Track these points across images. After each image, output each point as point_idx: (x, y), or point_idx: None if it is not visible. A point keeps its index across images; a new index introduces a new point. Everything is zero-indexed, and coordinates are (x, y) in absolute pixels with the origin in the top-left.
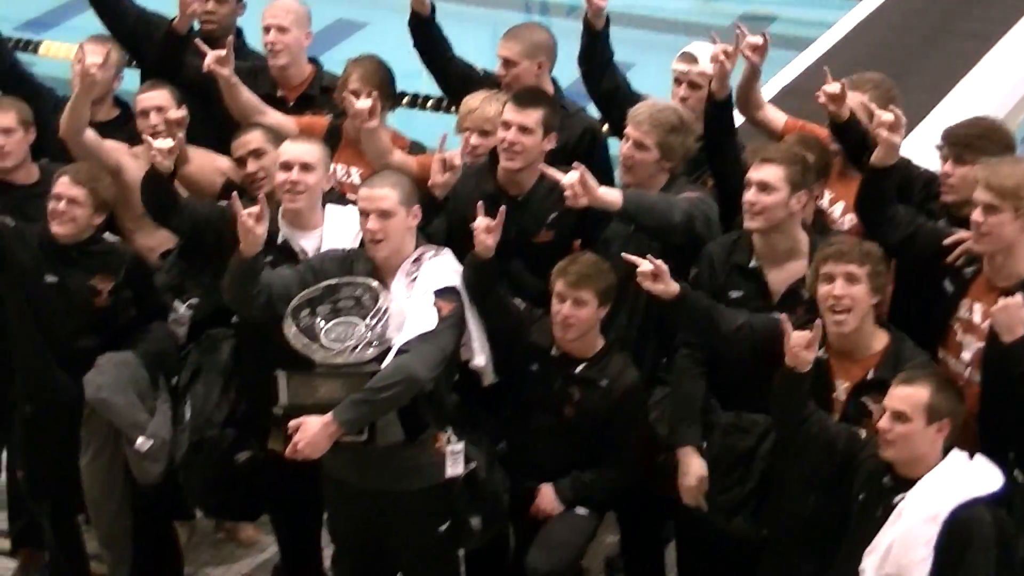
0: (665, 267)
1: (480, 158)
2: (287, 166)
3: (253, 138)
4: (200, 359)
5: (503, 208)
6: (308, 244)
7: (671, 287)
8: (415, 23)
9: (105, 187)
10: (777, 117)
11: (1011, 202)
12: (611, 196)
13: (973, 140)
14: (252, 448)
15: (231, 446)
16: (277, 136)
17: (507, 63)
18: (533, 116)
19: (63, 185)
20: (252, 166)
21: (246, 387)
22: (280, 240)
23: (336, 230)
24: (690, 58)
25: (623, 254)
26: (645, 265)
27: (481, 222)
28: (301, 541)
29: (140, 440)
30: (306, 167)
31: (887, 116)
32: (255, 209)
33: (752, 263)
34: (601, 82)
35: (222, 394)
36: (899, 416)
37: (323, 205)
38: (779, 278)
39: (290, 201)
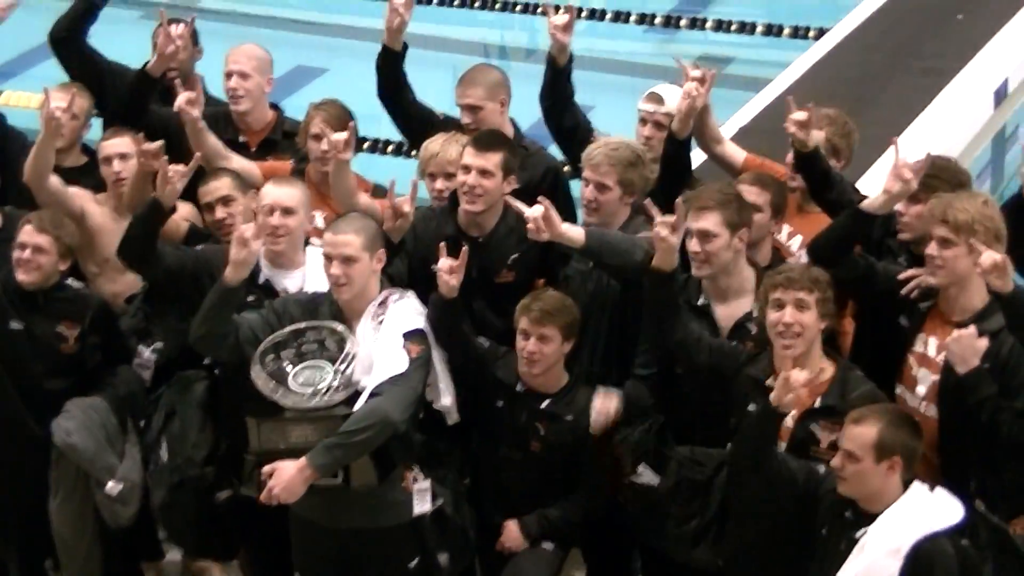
0: (683, 228)
1: (439, 204)
2: (269, 210)
3: (222, 185)
4: (174, 400)
5: (465, 249)
6: (290, 283)
7: (675, 256)
8: (385, 59)
9: (69, 233)
10: (736, 153)
11: (965, 236)
12: (573, 232)
13: (925, 178)
14: (232, 487)
15: (211, 485)
16: (244, 183)
17: (472, 109)
18: (493, 159)
19: (28, 233)
20: (220, 213)
21: (223, 426)
22: (262, 280)
23: (318, 270)
24: (657, 98)
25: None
26: (668, 217)
27: (444, 263)
28: None
29: (111, 484)
30: (288, 211)
31: (911, 163)
32: (252, 225)
33: (700, 300)
34: (563, 119)
35: (199, 433)
36: (849, 455)
37: (304, 245)
38: (726, 314)
39: (272, 244)
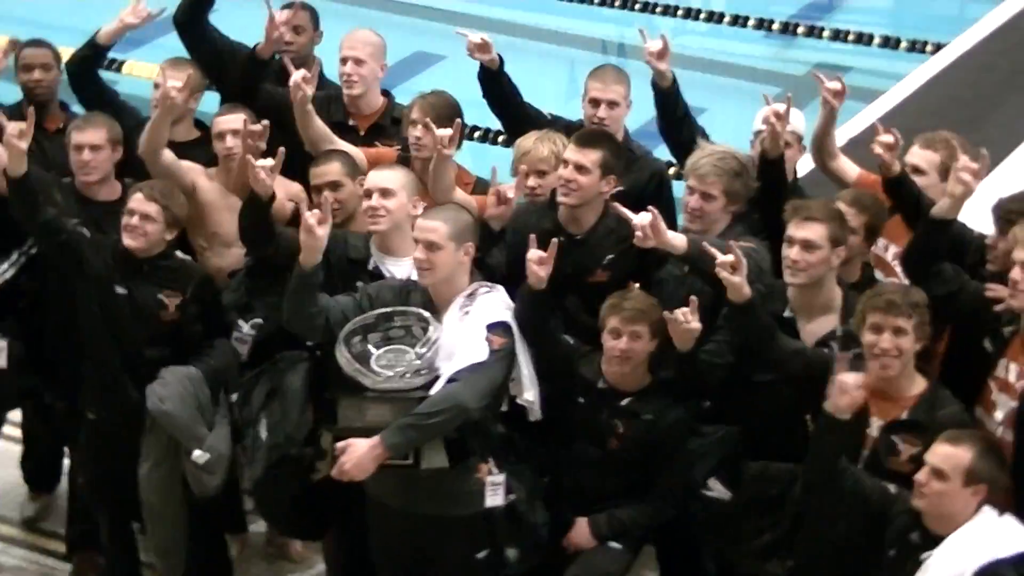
0: (745, 262)
1: (538, 199)
2: (368, 193)
3: (331, 169)
4: (276, 378)
5: (555, 241)
6: (398, 270)
7: (745, 288)
8: (485, 76)
9: (178, 205)
10: (850, 169)
11: None
12: (677, 240)
13: (1015, 215)
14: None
15: (309, 465)
16: (355, 169)
17: (613, 104)
18: (591, 156)
19: (137, 201)
20: (328, 197)
21: (323, 408)
22: (372, 266)
23: None
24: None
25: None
26: (727, 257)
27: (533, 254)
28: (359, 561)
29: (198, 453)
30: (385, 192)
31: (973, 164)
32: (318, 212)
33: (787, 313)
34: (680, 135)
35: (300, 414)
36: (938, 473)
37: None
38: (810, 330)
39: (372, 225)
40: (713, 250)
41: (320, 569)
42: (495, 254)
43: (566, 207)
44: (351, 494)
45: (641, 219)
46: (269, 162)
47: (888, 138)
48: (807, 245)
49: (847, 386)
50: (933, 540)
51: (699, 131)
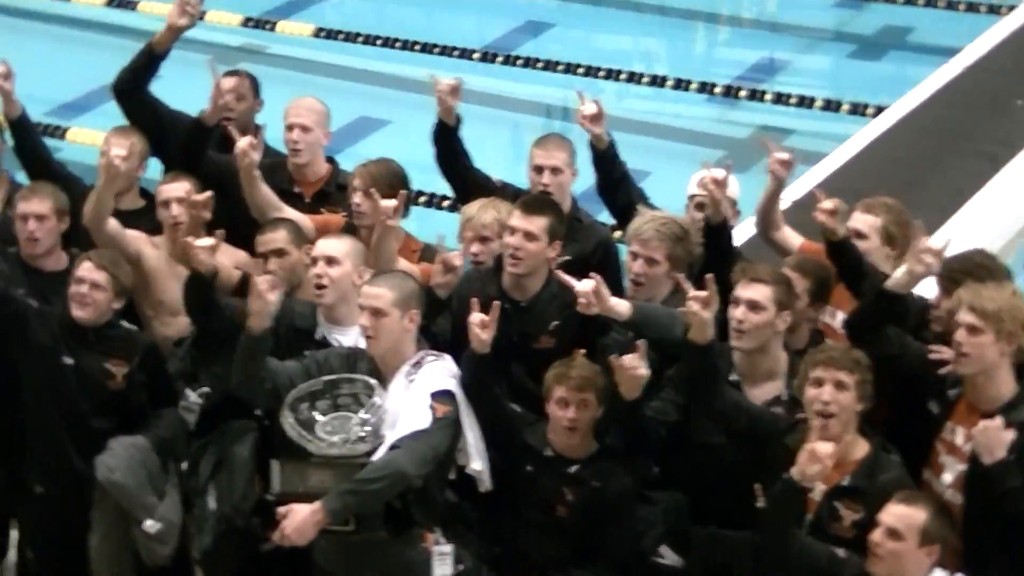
0: (716, 303)
1: (481, 265)
2: (314, 260)
3: (278, 237)
4: (223, 448)
5: (496, 304)
6: (346, 340)
7: (710, 328)
8: (440, 133)
9: (125, 273)
10: (793, 239)
11: (993, 324)
12: (621, 307)
13: (959, 275)
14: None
15: (256, 535)
16: (301, 237)
17: (555, 171)
18: (538, 223)
19: (86, 269)
20: (272, 265)
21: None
22: (319, 336)
23: None
24: (703, 183)
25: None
26: (700, 292)
27: (475, 318)
28: None
29: (149, 523)
30: (331, 260)
31: (936, 246)
32: (270, 277)
33: (733, 377)
34: (616, 197)
35: (248, 484)
36: (892, 533)
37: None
38: (756, 395)
39: (318, 296)
40: (687, 284)
41: None
42: (440, 322)
43: (512, 274)
44: (298, 565)
45: (584, 286)
46: (209, 241)
47: (829, 204)
48: (753, 305)
49: (820, 455)
50: None
51: (638, 193)
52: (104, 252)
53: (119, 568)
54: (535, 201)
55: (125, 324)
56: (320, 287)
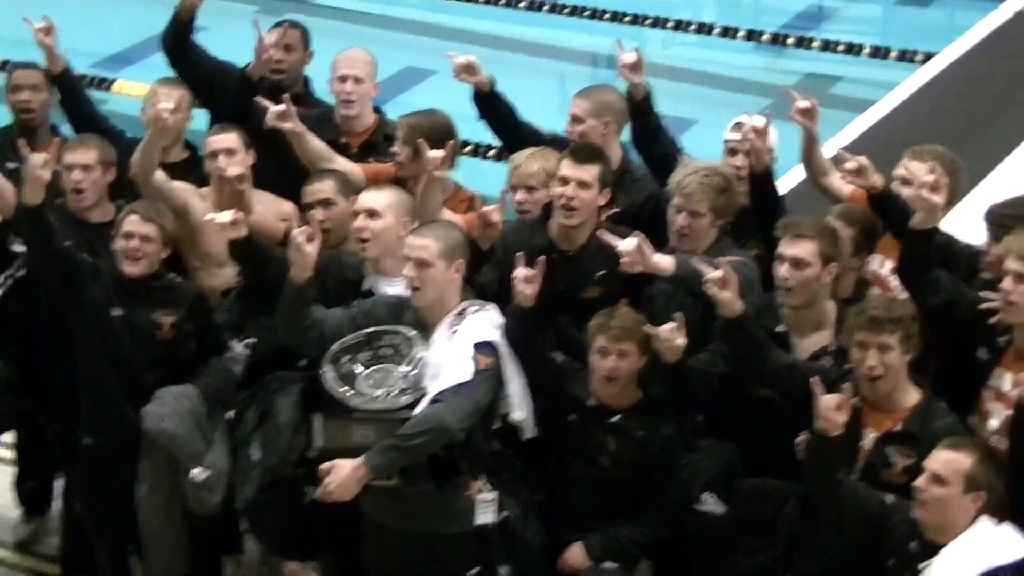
0: (735, 278)
1: (527, 214)
2: (355, 213)
3: (324, 187)
4: (270, 399)
5: (542, 259)
6: (392, 291)
7: (737, 303)
8: (478, 99)
9: (170, 221)
10: (842, 186)
11: None
12: (664, 263)
13: (1010, 220)
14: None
15: (302, 486)
16: (348, 187)
17: (574, 119)
18: (591, 171)
19: (134, 223)
20: (320, 215)
21: None
22: (366, 287)
23: None
24: (741, 129)
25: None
26: (715, 272)
27: (520, 272)
28: None
29: (198, 470)
30: (372, 213)
31: (927, 178)
32: (307, 229)
33: (780, 328)
34: (652, 150)
35: (294, 435)
36: (937, 479)
37: None
38: (804, 346)
39: (360, 250)
40: (702, 267)
41: None
42: (485, 272)
43: (563, 225)
44: (344, 515)
45: (627, 245)
46: (227, 216)
47: (852, 164)
48: (797, 263)
49: (828, 409)
50: (932, 549)
51: (674, 145)
52: (149, 203)
53: (168, 518)
54: (584, 149)
55: (172, 274)
56: (362, 240)
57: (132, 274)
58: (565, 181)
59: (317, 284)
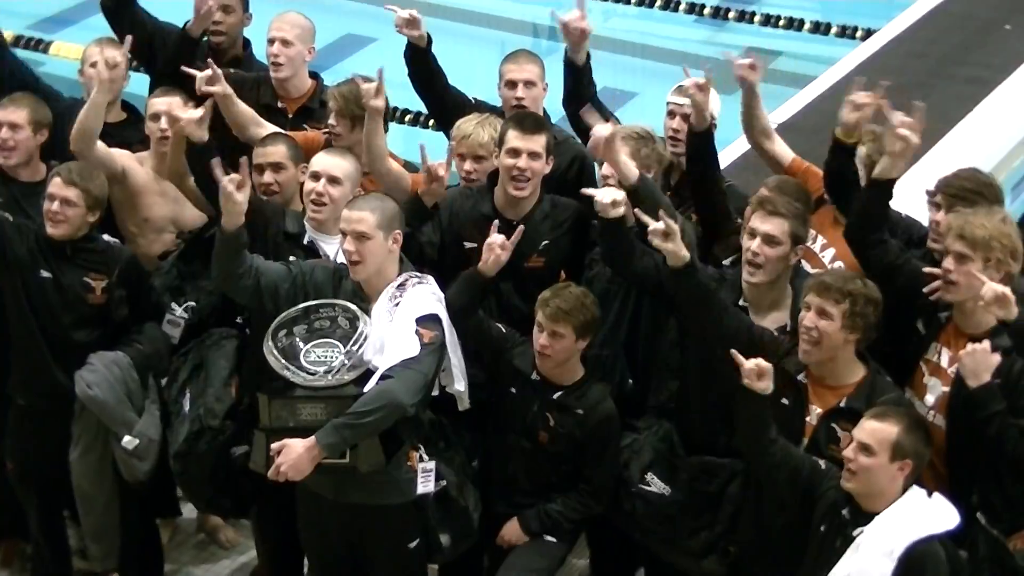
0: (677, 228)
1: (475, 183)
2: (316, 176)
3: (276, 151)
4: (202, 354)
5: (521, 228)
6: (332, 249)
7: (682, 250)
8: (412, 55)
9: (98, 186)
10: (784, 153)
11: (982, 252)
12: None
13: (967, 193)
14: (248, 444)
15: (229, 439)
16: (299, 155)
17: (529, 84)
18: (539, 141)
19: (57, 186)
20: (268, 177)
21: (247, 384)
22: (307, 241)
23: None
24: (684, 91)
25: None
26: (657, 224)
27: (497, 238)
28: (284, 544)
29: (127, 438)
30: (334, 180)
31: (908, 119)
32: (236, 176)
33: (740, 302)
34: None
35: (223, 387)
36: (865, 448)
37: None
38: (761, 323)
39: (314, 212)
40: (645, 217)
41: (250, 556)
42: (427, 232)
43: (513, 195)
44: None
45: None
46: (197, 112)
47: (864, 96)
48: (769, 239)
49: (750, 373)
50: (863, 516)
51: (608, 114)
52: (74, 166)
53: (99, 482)
54: (530, 119)
55: (106, 237)
56: (320, 204)
57: (55, 235)
58: (516, 152)
59: (259, 232)
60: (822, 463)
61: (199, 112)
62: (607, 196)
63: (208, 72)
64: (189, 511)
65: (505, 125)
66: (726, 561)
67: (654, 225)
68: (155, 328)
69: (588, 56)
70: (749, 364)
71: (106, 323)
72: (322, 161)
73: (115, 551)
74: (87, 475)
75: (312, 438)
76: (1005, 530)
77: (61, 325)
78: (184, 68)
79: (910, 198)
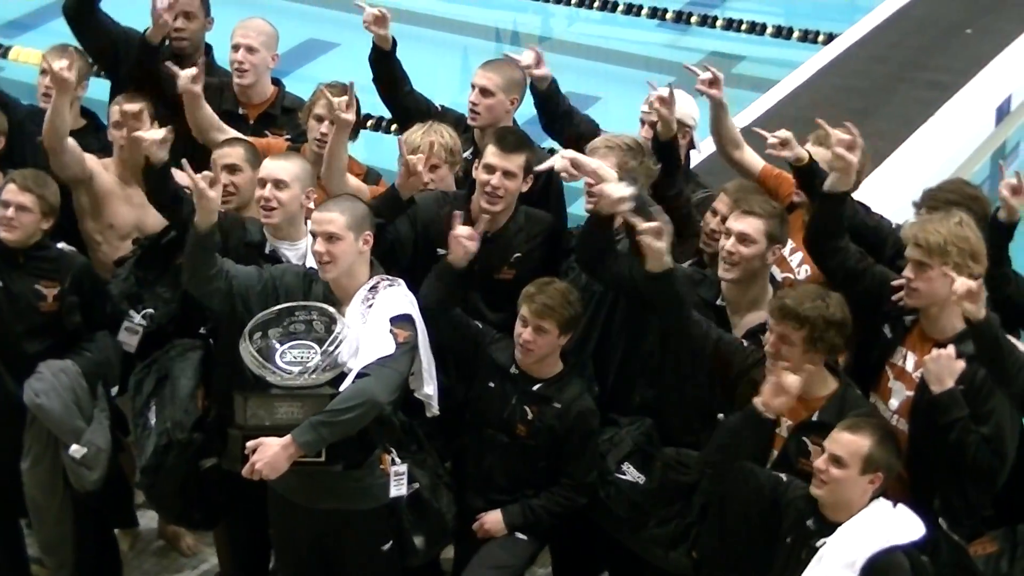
0: (669, 231)
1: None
2: (262, 182)
3: (233, 153)
4: (167, 365)
5: (485, 217)
6: (293, 255)
7: (667, 256)
8: (376, 57)
9: (52, 193)
10: (754, 161)
11: (939, 258)
12: (607, 173)
13: (951, 205)
14: (218, 456)
15: (198, 452)
16: (257, 159)
17: (484, 92)
18: (516, 161)
19: (11, 192)
20: (225, 180)
21: (214, 395)
22: (268, 250)
23: None
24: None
25: None
26: (650, 224)
27: (464, 229)
28: (251, 554)
29: (75, 447)
30: (279, 183)
31: (844, 136)
32: (208, 173)
33: (719, 302)
34: (563, 132)
35: (190, 399)
36: (836, 460)
37: (305, 222)
38: (741, 324)
39: (266, 218)
40: (635, 218)
41: (212, 563)
42: (400, 228)
43: (489, 212)
44: (241, 485)
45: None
46: (159, 133)
47: (778, 136)
48: (743, 238)
49: (787, 387)
50: (828, 527)
51: (587, 123)
52: (29, 172)
53: (51, 492)
54: (511, 136)
55: (60, 245)
56: (269, 209)
57: (8, 241)
58: (491, 169)
59: (219, 246)
60: (783, 476)
61: (161, 133)
62: (619, 191)
63: (193, 70)
64: (149, 519)
65: (487, 139)
66: (693, 554)
67: (648, 224)
68: (106, 336)
69: (552, 82)
70: (784, 379)
71: (59, 332)
72: (267, 166)
73: (69, 562)
74: (38, 485)
75: (288, 436)
76: (966, 536)
77: (13, 334)
78: (168, 65)
79: (873, 201)
